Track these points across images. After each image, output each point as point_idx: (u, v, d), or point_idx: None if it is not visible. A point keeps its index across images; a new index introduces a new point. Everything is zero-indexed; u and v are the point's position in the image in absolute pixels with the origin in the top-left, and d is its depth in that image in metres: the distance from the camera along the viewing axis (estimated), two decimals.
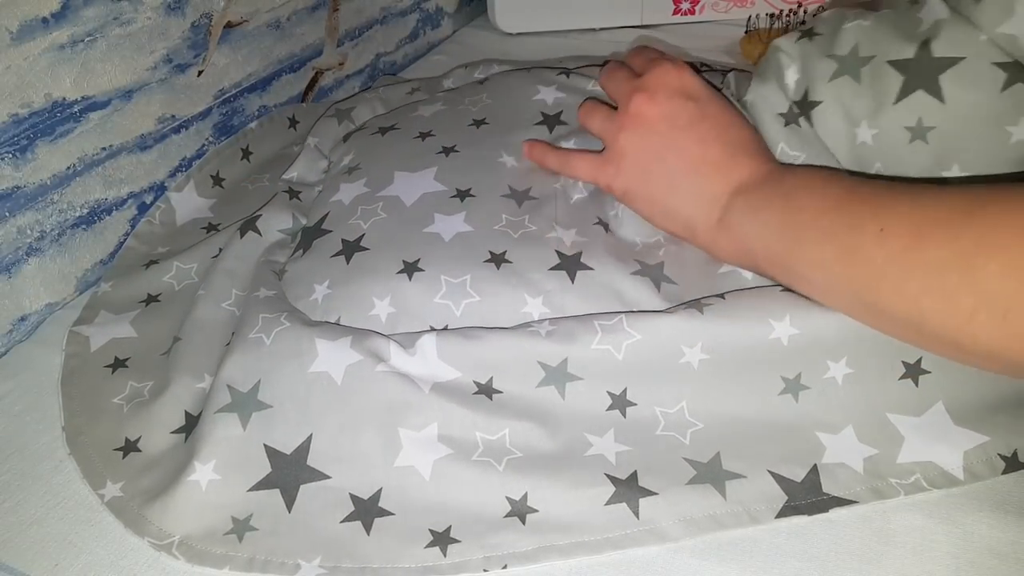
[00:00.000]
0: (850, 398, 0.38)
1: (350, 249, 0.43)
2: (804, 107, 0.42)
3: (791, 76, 0.43)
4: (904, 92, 0.38)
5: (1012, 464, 0.36)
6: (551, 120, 0.50)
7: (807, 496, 0.36)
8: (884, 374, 0.38)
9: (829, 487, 0.36)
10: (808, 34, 0.43)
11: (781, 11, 0.75)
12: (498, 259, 0.41)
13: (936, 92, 0.37)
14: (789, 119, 0.42)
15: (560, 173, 0.47)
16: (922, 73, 0.38)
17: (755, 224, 0.38)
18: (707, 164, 0.40)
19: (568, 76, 0.54)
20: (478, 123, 0.51)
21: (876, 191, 0.34)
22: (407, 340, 0.38)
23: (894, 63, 0.39)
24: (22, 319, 0.48)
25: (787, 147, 0.42)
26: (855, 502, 0.36)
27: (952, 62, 0.37)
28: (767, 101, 0.43)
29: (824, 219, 0.35)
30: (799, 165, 0.42)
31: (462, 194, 0.45)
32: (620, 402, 0.38)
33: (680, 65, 0.43)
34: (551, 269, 0.41)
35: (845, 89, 0.40)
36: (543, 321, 0.39)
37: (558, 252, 0.41)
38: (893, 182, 0.38)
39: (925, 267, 0.30)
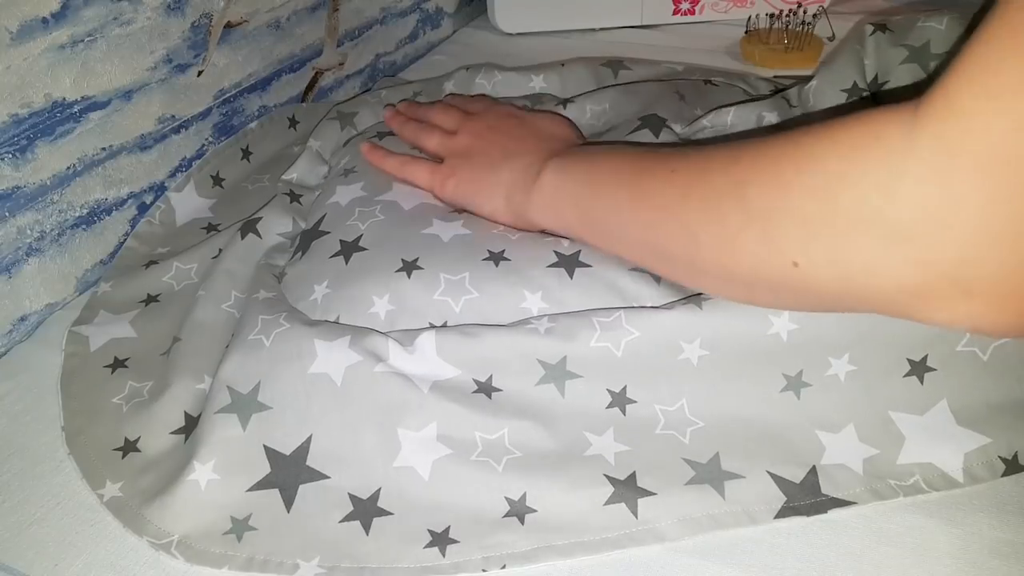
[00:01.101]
0: (852, 396, 0.38)
1: (348, 250, 0.43)
2: (874, 88, 0.46)
3: (866, 60, 0.47)
4: None
5: (1012, 467, 0.36)
6: None
7: (806, 497, 0.36)
8: (888, 371, 0.38)
9: (828, 488, 0.36)
10: (881, 28, 0.47)
11: (781, 11, 0.75)
12: (496, 257, 0.41)
13: None
14: (852, 94, 0.46)
15: (398, 178, 0.48)
16: None
17: (564, 182, 0.41)
18: (524, 148, 0.45)
19: None
20: None
21: (672, 150, 0.37)
22: (406, 338, 0.38)
23: None
24: (22, 319, 0.48)
25: None
26: (854, 503, 0.36)
27: None
28: (832, 80, 0.47)
29: (620, 170, 0.38)
30: (610, 141, 0.47)
31: None
32: (620, 400, 0.38)
33: (498, 101, 0.52)
34: (549, 266, 0.41)
35: (912, 74, 0.44)
36: (542, 318, 0.39)
37: (556, 252, 0.41)
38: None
39: (704, 197, 0.33)
